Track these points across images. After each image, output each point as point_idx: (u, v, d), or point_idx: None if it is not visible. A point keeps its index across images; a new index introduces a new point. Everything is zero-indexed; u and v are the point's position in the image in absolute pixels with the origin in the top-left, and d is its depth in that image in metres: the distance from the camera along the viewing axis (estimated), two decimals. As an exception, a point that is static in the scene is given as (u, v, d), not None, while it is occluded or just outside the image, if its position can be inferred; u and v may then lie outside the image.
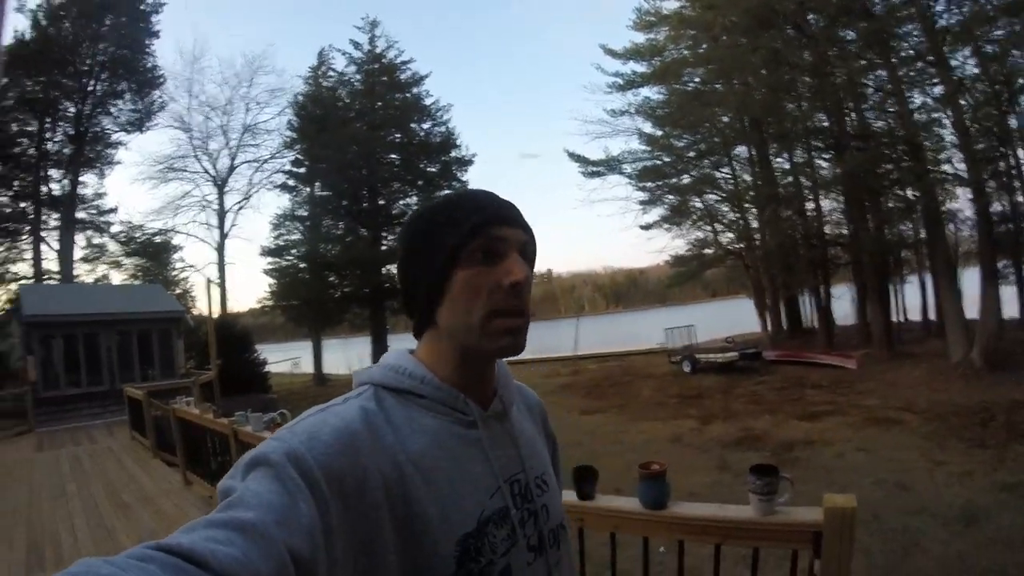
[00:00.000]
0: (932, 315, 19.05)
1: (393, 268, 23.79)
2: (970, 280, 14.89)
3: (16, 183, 24.37)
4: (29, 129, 24.40)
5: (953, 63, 13.81)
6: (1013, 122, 14.15)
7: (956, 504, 5.80)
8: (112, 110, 26.77)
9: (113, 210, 27.84)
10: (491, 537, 0.72)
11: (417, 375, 0.77)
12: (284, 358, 37.89)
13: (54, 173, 25.48)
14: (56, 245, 25.49)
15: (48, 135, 24.77)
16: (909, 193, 16.10)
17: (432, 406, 0.76)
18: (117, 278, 27.93)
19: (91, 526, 5.16)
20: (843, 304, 21.67)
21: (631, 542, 2.05)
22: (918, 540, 5.06)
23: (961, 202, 15.98)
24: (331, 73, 27.04)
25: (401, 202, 25.44)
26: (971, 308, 13.84)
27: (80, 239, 26.92)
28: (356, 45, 25.32)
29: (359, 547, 0.62)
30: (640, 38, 25.36)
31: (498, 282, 0.74)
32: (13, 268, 25.02)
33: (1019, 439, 7.81)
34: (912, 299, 20.74)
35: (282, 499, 0.55)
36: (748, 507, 1.86)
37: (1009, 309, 15.14)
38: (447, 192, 0.82)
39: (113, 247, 28.29)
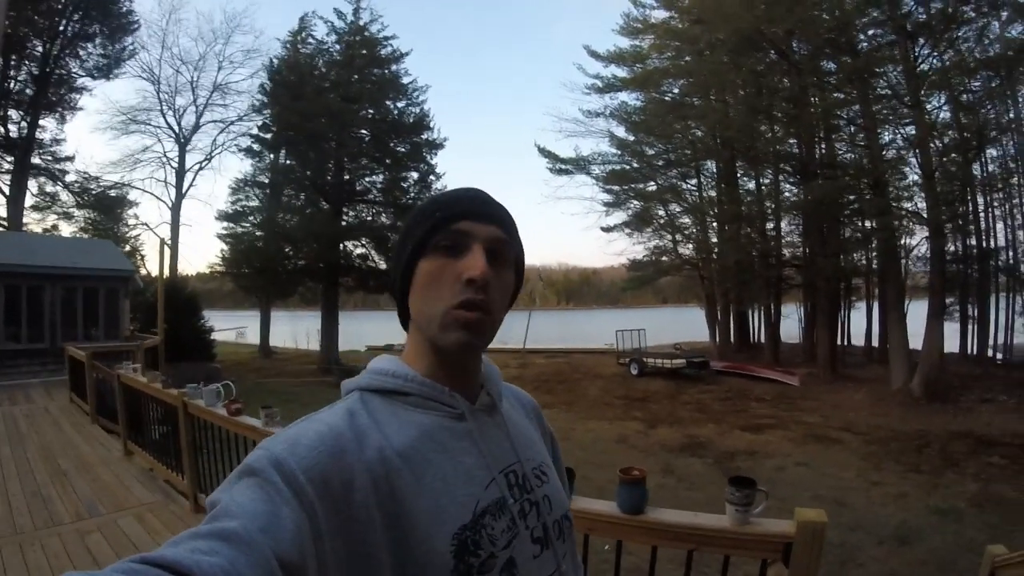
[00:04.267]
0: (876, 342, 19.87)
1: (351, 244, 23.61)
2: (915, 312, 15.55)
3: (-28, 122, 22.88)
4: (-9, 66, 22.91)
5: (928, 107, 14.36)
6: (977, 170, 14.85)
7: (891, 523, 6.08)
8: (81, 53, 25.26)
9: (70, 158, 26.49)
10: (489, 529, 0.70)
11: (400, 374, 0.77)
12: (230, 327, 37.02)
13: (13, 114, 23.97)
14: (7, 190, 24.14)
15: (12, 73, 23.24)
16: (868, 224, 16.72)
17: (419, 402, 0.75)
18: (67, 230, 26.77)
19: (26, 493, 4.89)
20: (791, 323, 22.48)
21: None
22: (854, 555, 5.28)
23: (917, 238, 16.73)
24: (311, 40, 26.34)
25: (366, 179, 24.87)
26: (914, 339, 14.45)
27: (32, 186, 25.59)
28: (339, 14, 24.66)
29: (351, 547, 0.62)
30: (625, 43, 25.66)
31: (458, 276, 0.74)
32: (-41, 212, 23.49)
33: (953, 467, 8.23)
34: (857, 325, 21.58)
35: (266, 506, 0.56)
36: (723, 516, 1.90)
37: (950, 344, 15.86)
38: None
39: (66, 197, 27.02)
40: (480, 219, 0.77)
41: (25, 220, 24.39)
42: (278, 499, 0.57)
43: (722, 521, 1.89)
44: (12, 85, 23.42)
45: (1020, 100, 15.28)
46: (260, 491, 0.57)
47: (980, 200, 16.87)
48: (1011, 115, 15.39)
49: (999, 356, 16.89)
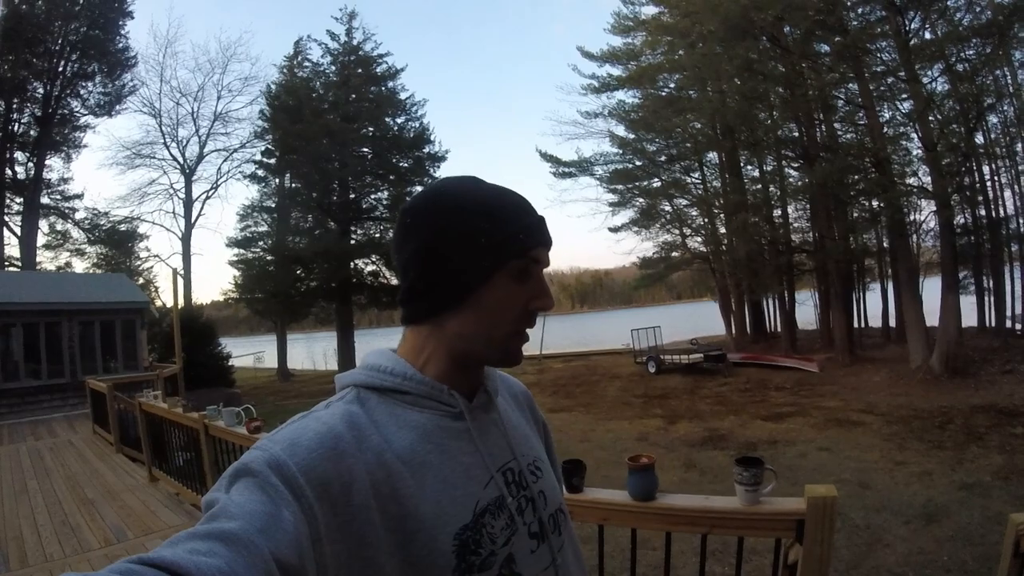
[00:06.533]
0: (892, 322, 19.61)
1: (360, 262, 23.67)
2: (930, 289, 15.35)
3: (-20, 166, 23.36)
4: (-5, 110, 23.36)
5: (924, 79, 14.22)
6: (979, 139, 14.66)
7: (917, 502, 6.00)
8: (81, 92, 25.95)
9: (79, 196, 27.22)
10: (489, 528, 0.71)
11: (399, 372, 0.75)
12: (247, 352, 37.28)
13: (19, 156, 24.59)
14: (19, 231, 24.65)
15: (15, 116, 23.81)
16: (875, 204, 16.56)
17: (417, 401, 0.74)
18: (80, 266, 27.28)
19: (55, 523, 4.98)
20: (806, 309, 22.23)
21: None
22: (881, 536, 5.23)
23: (925, 213, 16.52)
24: (306, 63, 26.78)
25: (372, 196, 25.25)
26: (931, 316, 14.24)
27: (43, 225, 26.18)
28: (333, 36, 25.13)
29: (351, 550, 0.62)
30: (617, 42, 25.71)
31: (526, 303, 0.75)
32: (-26, 254, 23.96)
33: (977, 441, 8.12)
34: (873, 306, 21.34)
35: (265, 508, 0.55)
36: (734, 498, 1.91)
37: (968, 318, 15.62)
38: (472, 180, 0.76)
39: (77, 234, 27.67)
40: (548, 245, 0.78)
41: (38, 259, 24.98)
42: (278, 501, 0.56)
43: (733, 503, 1.90)
44: (16, 128, 23.95)
45: (1016, 63, 15.11)
46: (259, 492, 0.56)
47: (986, 169, 16.64)
48: (1008, 80, 15.23)
49: (1018, 327, 16.62)
